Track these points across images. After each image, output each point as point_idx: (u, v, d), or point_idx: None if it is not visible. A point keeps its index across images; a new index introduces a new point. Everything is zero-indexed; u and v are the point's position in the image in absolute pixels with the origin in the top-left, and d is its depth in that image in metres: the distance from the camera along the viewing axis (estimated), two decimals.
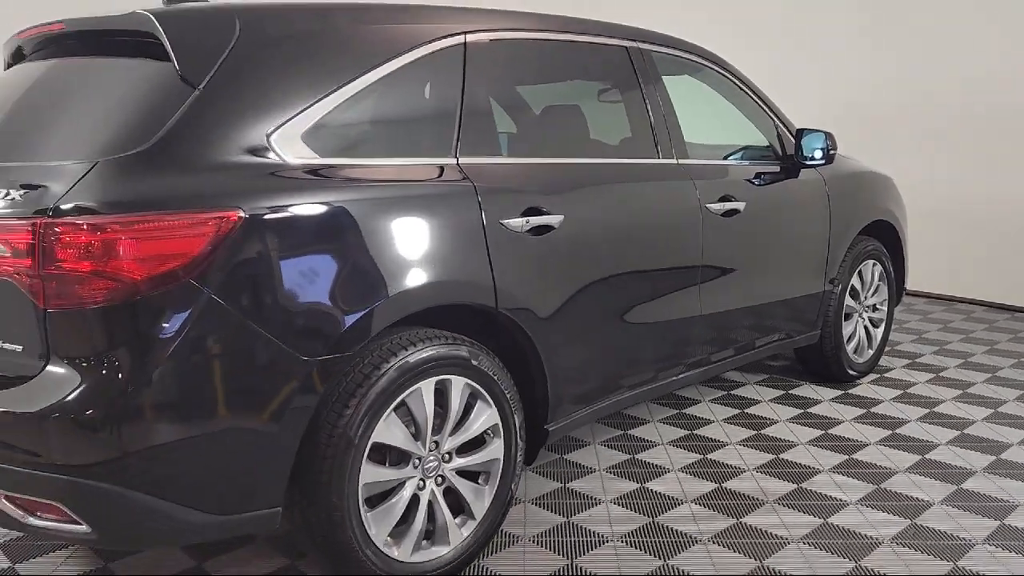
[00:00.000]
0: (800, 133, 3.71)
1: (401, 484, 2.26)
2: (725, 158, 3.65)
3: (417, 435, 2.27)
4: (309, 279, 2.04)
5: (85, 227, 1.78)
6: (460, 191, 2.39)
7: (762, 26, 6.90)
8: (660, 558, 2.54)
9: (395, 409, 2.19)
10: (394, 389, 2.16)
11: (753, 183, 3.52)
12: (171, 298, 1.84)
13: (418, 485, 2.29)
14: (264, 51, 2.16)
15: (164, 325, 1.83)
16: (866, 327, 4.31)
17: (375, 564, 2.20)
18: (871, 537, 2.66)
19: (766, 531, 2.70)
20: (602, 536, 2.67)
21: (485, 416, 2.41)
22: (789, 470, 3.18)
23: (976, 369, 4.53)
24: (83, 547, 2.57)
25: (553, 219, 2.57)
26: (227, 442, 1.95)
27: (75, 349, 1.83)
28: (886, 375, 4.40)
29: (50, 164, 1.95)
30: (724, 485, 3.04)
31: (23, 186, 1.89)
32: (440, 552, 2.35)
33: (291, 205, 2.02)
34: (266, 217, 1.96)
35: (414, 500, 2.29)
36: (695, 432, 3.56)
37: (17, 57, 2.52)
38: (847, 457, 3.30)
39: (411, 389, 2.21)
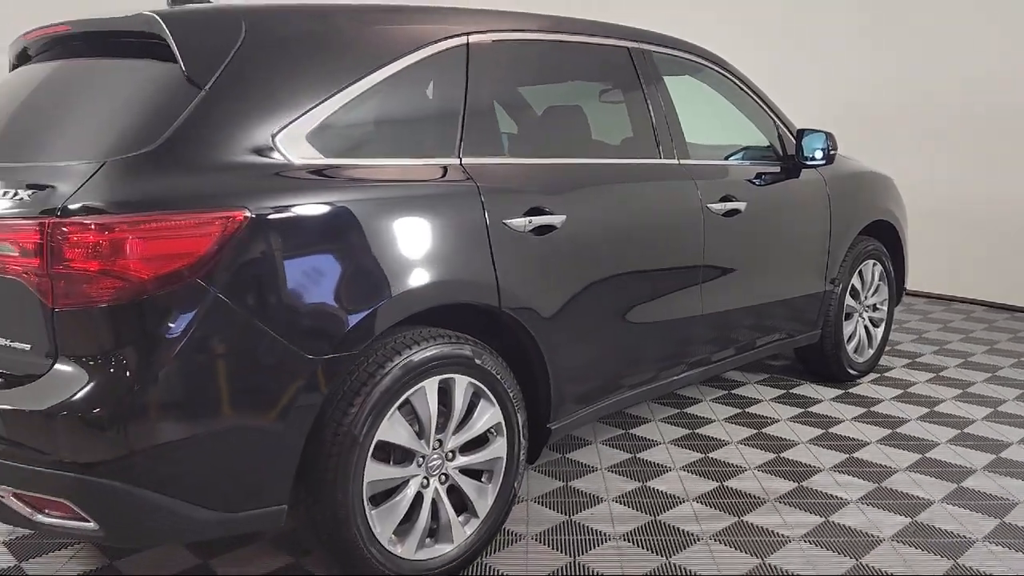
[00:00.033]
0: (801, 133, 3.72)
1: (405, 482, 2.27)
2: (726, 158, 3.66)
3: (421, 433, 2.28)
4: (314, 278, 2.05)
5: (93, 227, 1.79)
6: (463, 191, 2.40)
7: (762, 26, 6.91)
8: (662, 556, 2.55)
9: (399, 408, 2.21)
10: (398, 388, 2.18)
11: (754, 183, 3.53)
12: (178, 297, 1.85)
13: (422, 483, 2.30)
14: (269, 52, 2.17)
15: (171, 324, 1.85)
16: (866, 327, 4.33)
17: (379, 562, 2.21)
18: (872, 535, 2.67)
19: (767, 529, 2.71)
20: (604, 534, 2.68)
21: (488, 415, 2.43)
22: (790, 469, 3.19)
23: (976, 368, 4.55)
24: (88, 545, 2.59)
25: (556, 219, 2.59)
26: (233, 440, 1.96)
27: (83, 348, 1.84)
28: (886, 375, 4.42)
29: (58, 164, 1.96)
30: (725, 484, 3.05)
31: (31, 186, 1.90)
32: (444, 550, 2.37)
33: (296, 205, 2.03)
34: (272, 217, 1.98)
35: (418, 498, 2.30)
36: (696, 431, 3.58)
37: (22, 58, 2.53)
38: (848, 456, 3.32)
39: (415, 388, 2.23)
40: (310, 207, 2.06)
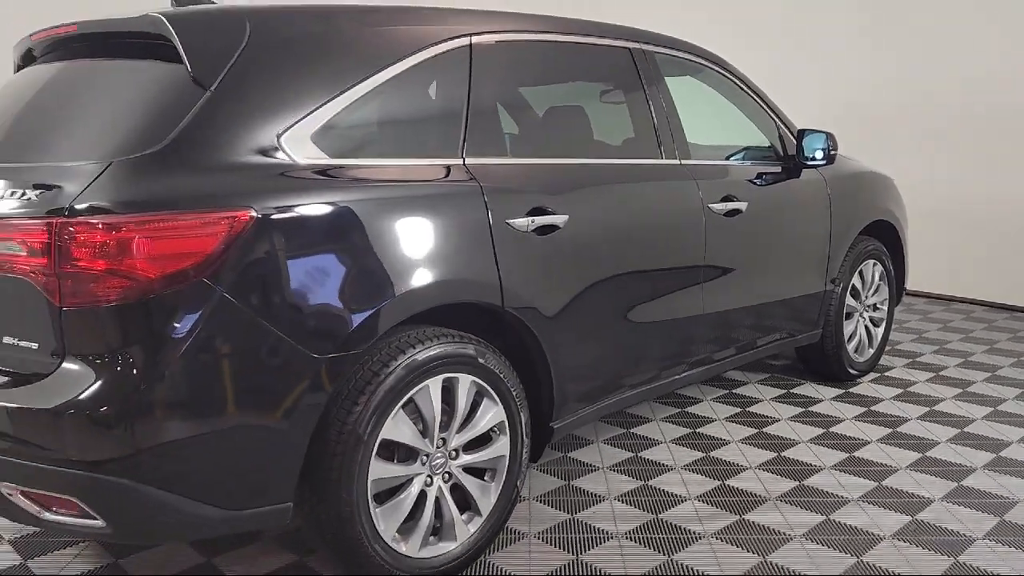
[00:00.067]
0: (801, 133, 3.74)
1: (409, 480, 2.28)
2: (727, 158, 3.67)
3: (425, 432, 2.29)
4: (319, 278, 2.07)
5: (100, 226, 1.81)
6: (467, 191, 2.42)
7: (762, 26, 6.92)
8: (664, 554, 2.56)
9: (403, 406, 2.22)
10: (402, 387, 2.19)
11: (755, 183, 3.55)
12: (184, 296, 1.86)
13: (426, 481, 2.32)
14: (274, 53, 2.18)
15: (177, 323, 1.86)
16: (867, 326, 4.34)
17: (384, 559, 2.22)
18: (872, 533, 2.69)
19: (769, 527, 2.73)
20: (607, 532, 2.69)
21: (492, 414, 2.44)
22: (791, 468, 3.20)
23: (976, 368, 4.56)
24: (92, 544, 2.60)
25: (558, 219, 2.60)
26: (239, 438, 1.97)
27: (90, 346, 1.85)
28: (886, 374, 4.43)
29: (65, 164, 1.98)
30: (726, 482, 3.07)
31: (38, 186, 1.92)
32: (447, 548, 2.38)
33: (301, 205, 2.05)
34: (277, 217, 1.99)
35: (422, 496, 2.31)
36: (697, 430, 3.59)
37: (27, 59, 2.54)
38: (848, 455, 3.33)
39: (419, 387, 2.24)
40: (315, 207, 2.07)
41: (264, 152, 2.07)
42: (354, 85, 2.26)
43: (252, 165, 2.04)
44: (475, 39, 2.59)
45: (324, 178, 2.16)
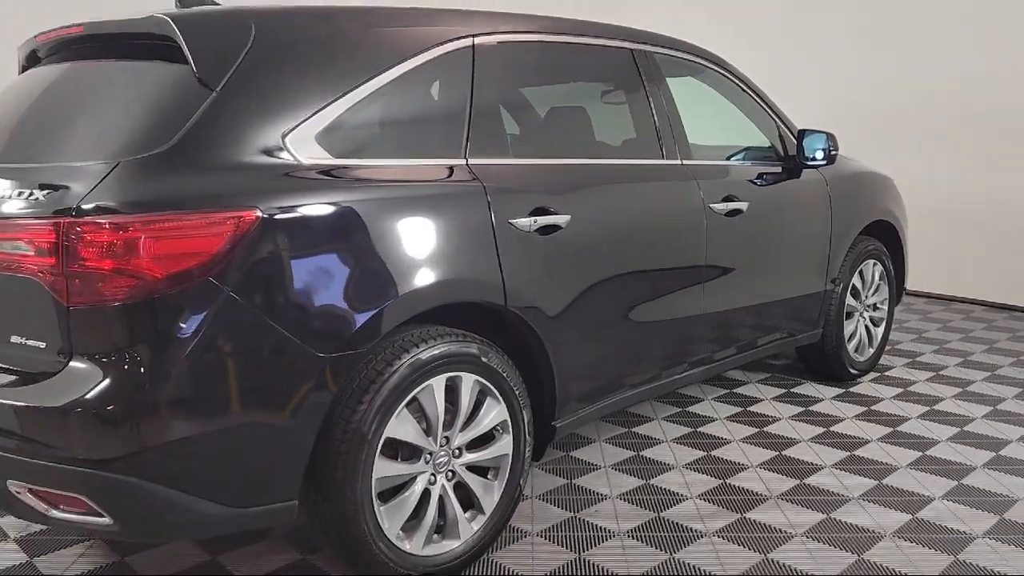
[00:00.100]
0: (802, 134, 3.75)
1: (413, 479, 2.30)
2: (728, 159, 3.69)
3: (428, 431, 2.31)
4: (324, 277, 2.08)
5: (107, 226, 1.82)
6: (470, 191, 2.43)
7: (762, 26, 6.94)
8: (666, 552, 2.58)
9: (407, 405, 2.23)
10: (406, 385, 2.20)
11: (755, 183, 3.56)
12: (190, 296, 1.88)
13: (429, 480, 2.33)
14: (279, 54, 2.20)
15: (183, 322, 1.87)
16: (867, 326, 4.36)
17: (388, 557, 2.24)
18: (873, 531, 2.70)
19: (770, 526, 2.74)
20: (609, 531, 2.71)
21: (495, 412, 2.45)
22: (791, 467, 3.22)
23: (975, 367, 4.58)
24: (98, 542, 2.61)
25: (560, 219, 2.62)
26: (244, 436, 1.99)
27: (97, 345, 1.86)
28: (886, 373, 4.45)
29: (72, 165, 1.99)
30: (728, 481, 3.08)
31: (45, 186, 1.93)
32: (451, 546, 2.39)
33: (306, 205, 2.06)
34: (282, 216, 2.00)
35: (425, 495, 2.33)
36: (698, 430, 3.60)
37: (32, 60, 2.56)
38: (849, 454, 3.35)
39: (423, 385, 2.25)
40: (319, 207, 2.09)
41: (269, 152, 2.08)
42: (358, 86, 2.28)
43: (257, 165, 2.06)
44: (478, 40, 2.60)
45: (328, 178, 2.17)
